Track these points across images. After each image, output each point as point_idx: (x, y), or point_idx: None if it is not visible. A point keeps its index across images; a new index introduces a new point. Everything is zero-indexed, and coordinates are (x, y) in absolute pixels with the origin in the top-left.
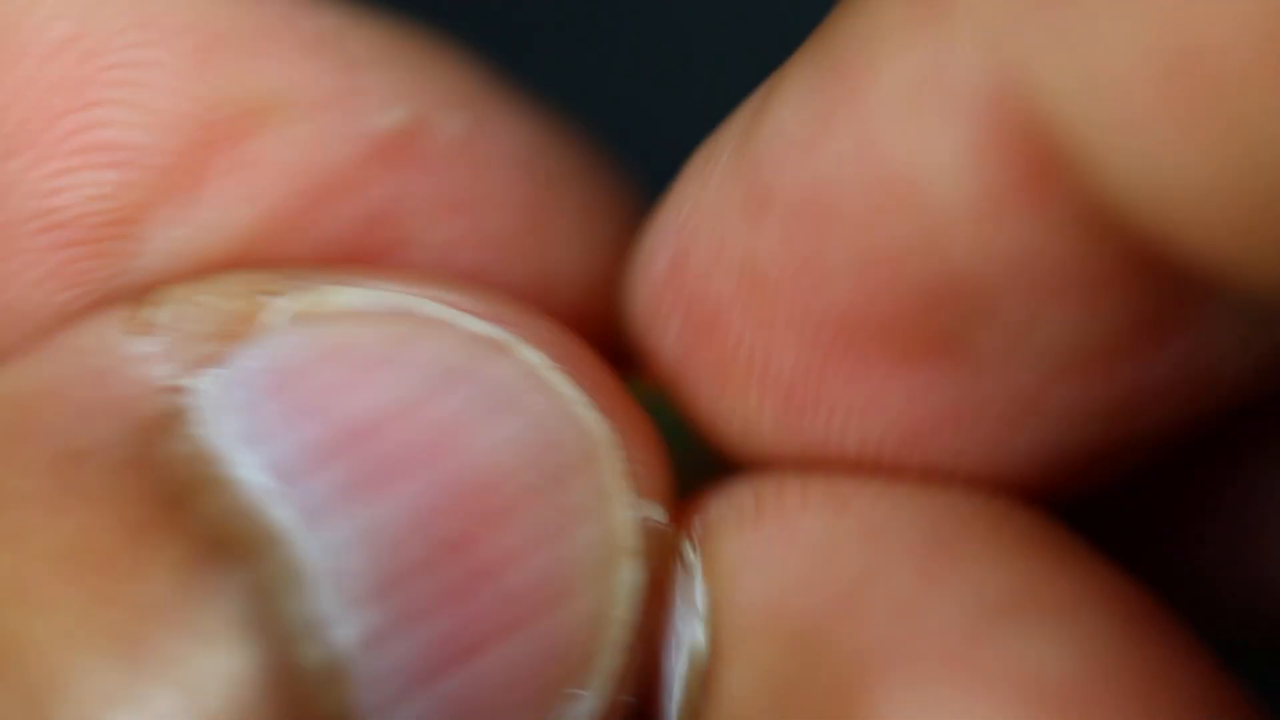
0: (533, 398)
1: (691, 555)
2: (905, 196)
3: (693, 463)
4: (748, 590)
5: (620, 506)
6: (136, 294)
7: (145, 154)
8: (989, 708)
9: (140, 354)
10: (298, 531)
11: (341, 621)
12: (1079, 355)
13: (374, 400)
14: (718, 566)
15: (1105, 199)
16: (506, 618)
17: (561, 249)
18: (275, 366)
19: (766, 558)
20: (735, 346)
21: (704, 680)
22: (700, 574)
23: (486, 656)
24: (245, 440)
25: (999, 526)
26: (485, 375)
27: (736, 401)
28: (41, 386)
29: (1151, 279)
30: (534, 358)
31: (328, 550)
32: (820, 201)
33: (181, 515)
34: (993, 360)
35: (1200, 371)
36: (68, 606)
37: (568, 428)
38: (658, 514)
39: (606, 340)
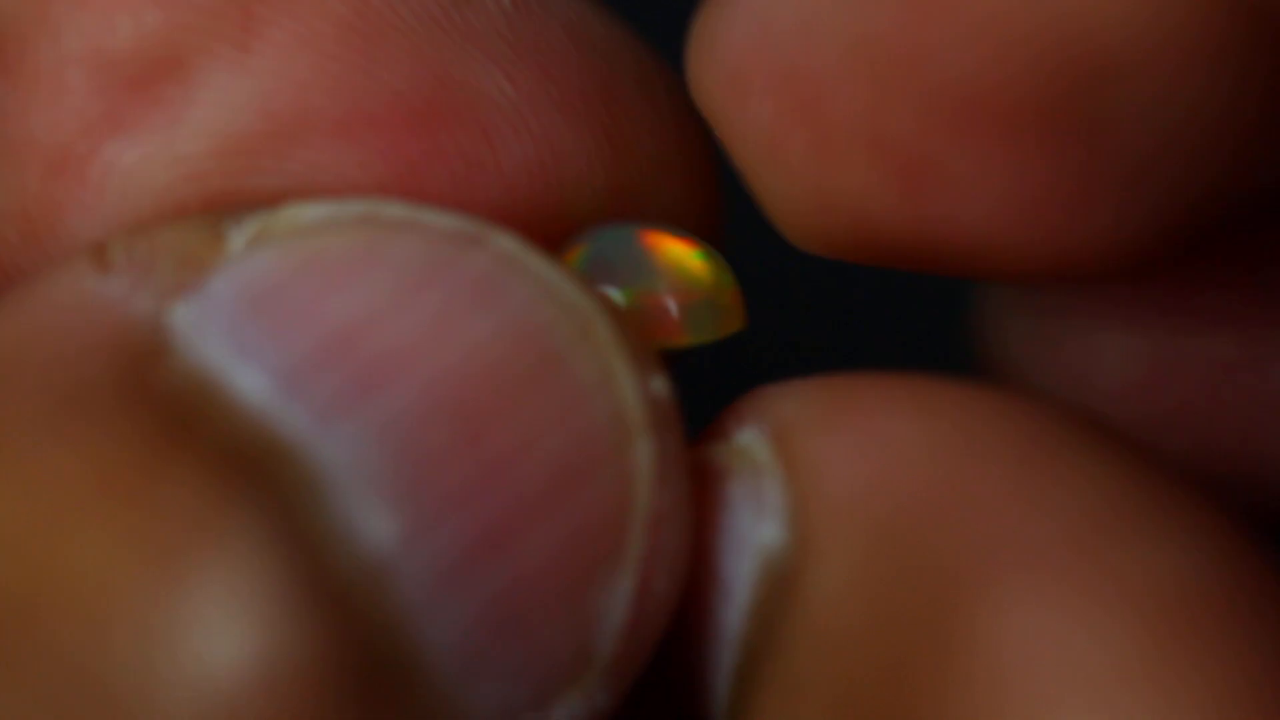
0: (516, 283)
1: (763, 453)
2: None
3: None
4: (833, 491)
5: (625, 380)
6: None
7: None
8: (1103, 614)
9: (112, 292)
10: (309, 437)
11: (370, 525)
12: (1203, 126)
13: (356, 304)
14: (797, 466)
15: None
16: (530, 506)
17: (629, 117)
18: (250, 288)
19: (853, 458)
20: (844, 119)
21: (783, 584)
22: (777, 473)
23: (517, 547)
24: (237, 357)
25: (1096, 437)
26: (464, 266)
27: (845, 179)
28: (21, 336)
29: None
30: (510, 245)
31: (342, 453)
32: None
33: (191, 438)
34: (1112, 127)
35: None
36: (99, 539)
37: (558, 308)
38: (661, 385)
39: (674, 214)
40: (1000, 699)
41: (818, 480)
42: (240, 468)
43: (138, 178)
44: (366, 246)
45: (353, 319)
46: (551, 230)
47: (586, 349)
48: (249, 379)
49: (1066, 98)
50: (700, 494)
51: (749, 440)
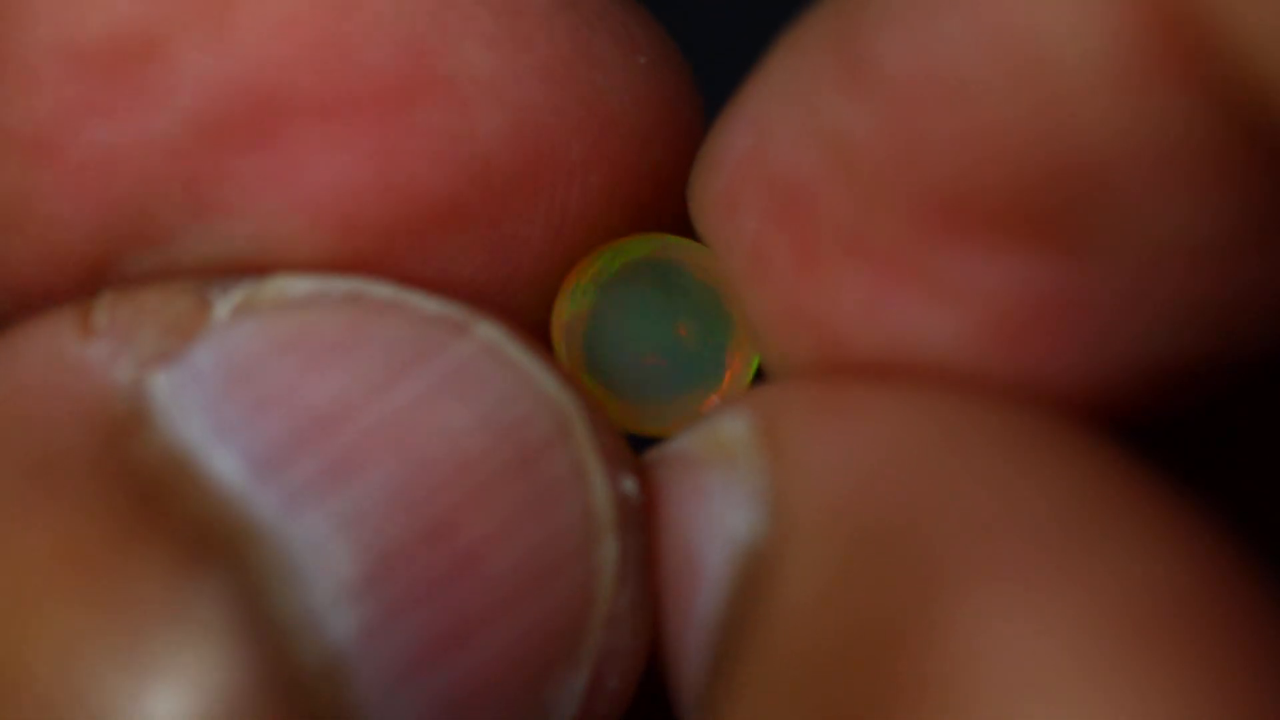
0: (497, 374)
1: (746, 443)
2: (1030, 70)
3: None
4: (814, 487)
5: (597, 479)
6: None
7: None
8: (1071, 614)
9: (94, 357)
10: (280, 524)
11: (335, 615)
12: (1194, 248)
13: (336, 388)
14: (782, 458)
15: (1245, 82)
16: (495, 600)
17: (610, 80)
18: (232, 361)
19: (836, 456)
20: (826, 225)
21: (759, 573)
22: (759, 463)
23: (479, 641)
24: (214, 437)
25: (1076, 440)
26: (446, 355)
27: (823, 283)
28: None
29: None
30: (493, 334)
31: (312, 542)
32: (933, 75)
33: (162, 517)
34: (1102, 248)
35: None
36: (63, 618)
37: (537, 403)
38: (632, 485)
39: (652, 192)
40: (963, 706)
41: (803, 476)
42: (209, 551)
43: (119, 160)
44: (350, 327)
45: (331, 404)
46: (528, 202)
47: (562, 445)
48: (224, 461)
49: (1055, 207)
50: (680, 483)
51: (733, 429)
